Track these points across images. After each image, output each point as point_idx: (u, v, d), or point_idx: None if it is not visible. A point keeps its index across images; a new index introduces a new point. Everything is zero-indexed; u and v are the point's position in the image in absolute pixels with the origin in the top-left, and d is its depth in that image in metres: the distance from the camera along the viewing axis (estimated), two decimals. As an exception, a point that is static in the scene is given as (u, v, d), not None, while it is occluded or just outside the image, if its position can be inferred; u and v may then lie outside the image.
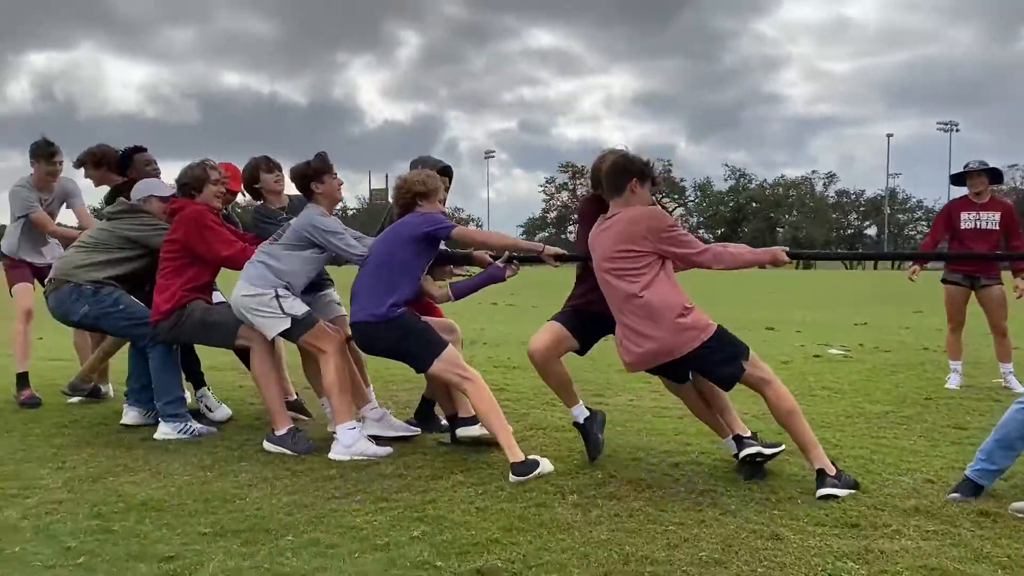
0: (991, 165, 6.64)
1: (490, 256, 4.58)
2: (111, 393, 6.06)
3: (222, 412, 5.36)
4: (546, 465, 4.00)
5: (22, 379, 5.86)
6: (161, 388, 4.88)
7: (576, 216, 4.53)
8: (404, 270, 4.22)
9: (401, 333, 4.17)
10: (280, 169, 5.11)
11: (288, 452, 4.38)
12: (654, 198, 4.29)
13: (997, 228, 6.54)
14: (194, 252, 4.69)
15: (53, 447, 4.53)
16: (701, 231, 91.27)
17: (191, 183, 4.85)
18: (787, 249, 4.03)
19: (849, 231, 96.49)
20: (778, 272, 49.67)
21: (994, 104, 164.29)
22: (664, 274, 3.80)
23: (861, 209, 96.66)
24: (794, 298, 22.97)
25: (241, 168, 5.31)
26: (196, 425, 4.88)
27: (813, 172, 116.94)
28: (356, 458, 4.26)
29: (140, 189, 5.21)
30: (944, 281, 6.73)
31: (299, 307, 4.46)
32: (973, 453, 4.35)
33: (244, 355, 5.05)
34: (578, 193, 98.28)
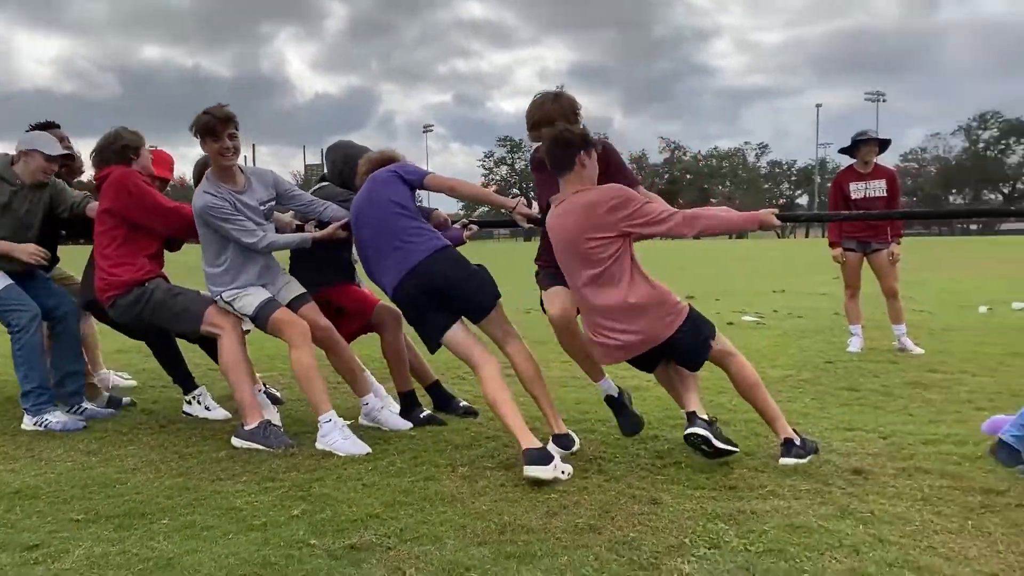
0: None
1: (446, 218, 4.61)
2: (117, 382, 5.73)
3: (218, 413, 4.85)
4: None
5: None
6: (22, 377, 4.52)
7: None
8: (408, 210, 4.01)
9: (465, 262, 3.91)
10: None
11: (260, 447, 4.03)
12: None
13: (885, 195, 6.86)
14: (129, 218, 4.33)
15: (-68, 437, 4.35)
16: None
17: (130, 145, 4.49)
18: (776, 211, 3.89)
19: (781, 200, 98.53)
20: (702, 242, 50.51)
21: (918, 74, 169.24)
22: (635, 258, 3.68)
23: (793, 179, 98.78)
24: (717, 268, 23.38)
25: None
26: (51, 418, 4.48)
27: (746, 143, 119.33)
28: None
29: (25, 140, 4.64)
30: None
31: (249, 304, 4.17)
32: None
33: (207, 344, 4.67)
34: (516, 168, 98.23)
